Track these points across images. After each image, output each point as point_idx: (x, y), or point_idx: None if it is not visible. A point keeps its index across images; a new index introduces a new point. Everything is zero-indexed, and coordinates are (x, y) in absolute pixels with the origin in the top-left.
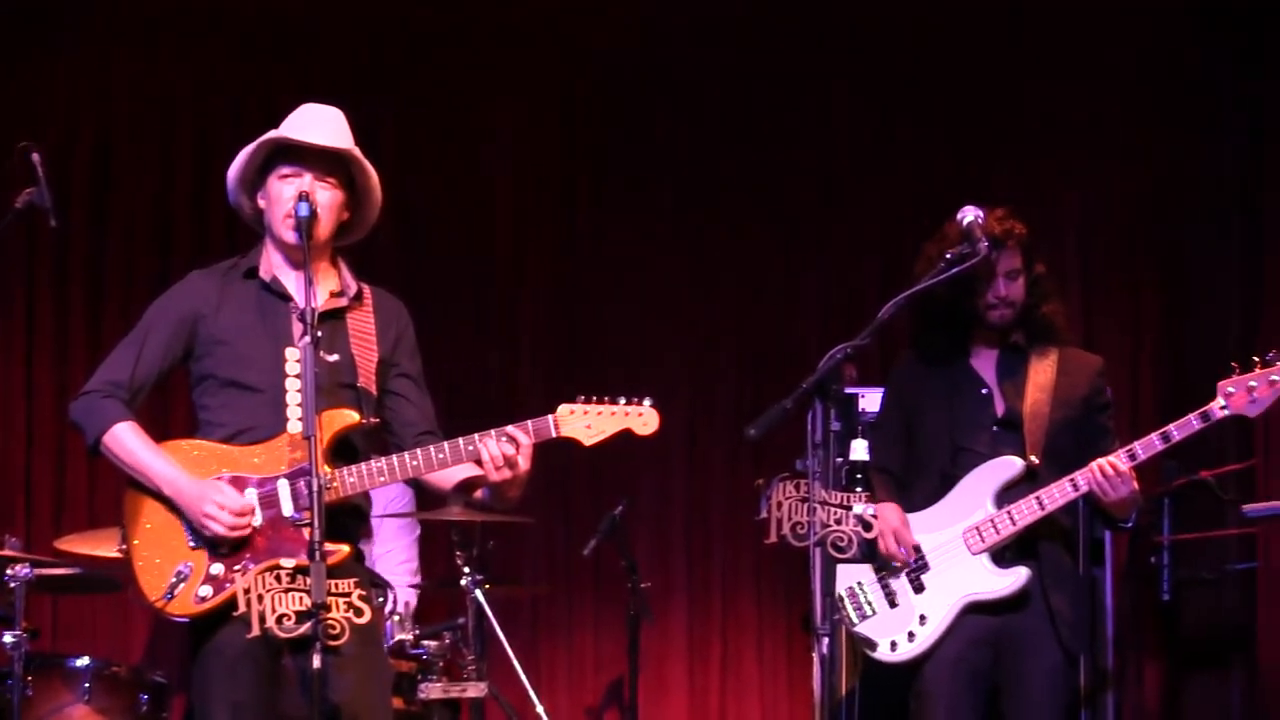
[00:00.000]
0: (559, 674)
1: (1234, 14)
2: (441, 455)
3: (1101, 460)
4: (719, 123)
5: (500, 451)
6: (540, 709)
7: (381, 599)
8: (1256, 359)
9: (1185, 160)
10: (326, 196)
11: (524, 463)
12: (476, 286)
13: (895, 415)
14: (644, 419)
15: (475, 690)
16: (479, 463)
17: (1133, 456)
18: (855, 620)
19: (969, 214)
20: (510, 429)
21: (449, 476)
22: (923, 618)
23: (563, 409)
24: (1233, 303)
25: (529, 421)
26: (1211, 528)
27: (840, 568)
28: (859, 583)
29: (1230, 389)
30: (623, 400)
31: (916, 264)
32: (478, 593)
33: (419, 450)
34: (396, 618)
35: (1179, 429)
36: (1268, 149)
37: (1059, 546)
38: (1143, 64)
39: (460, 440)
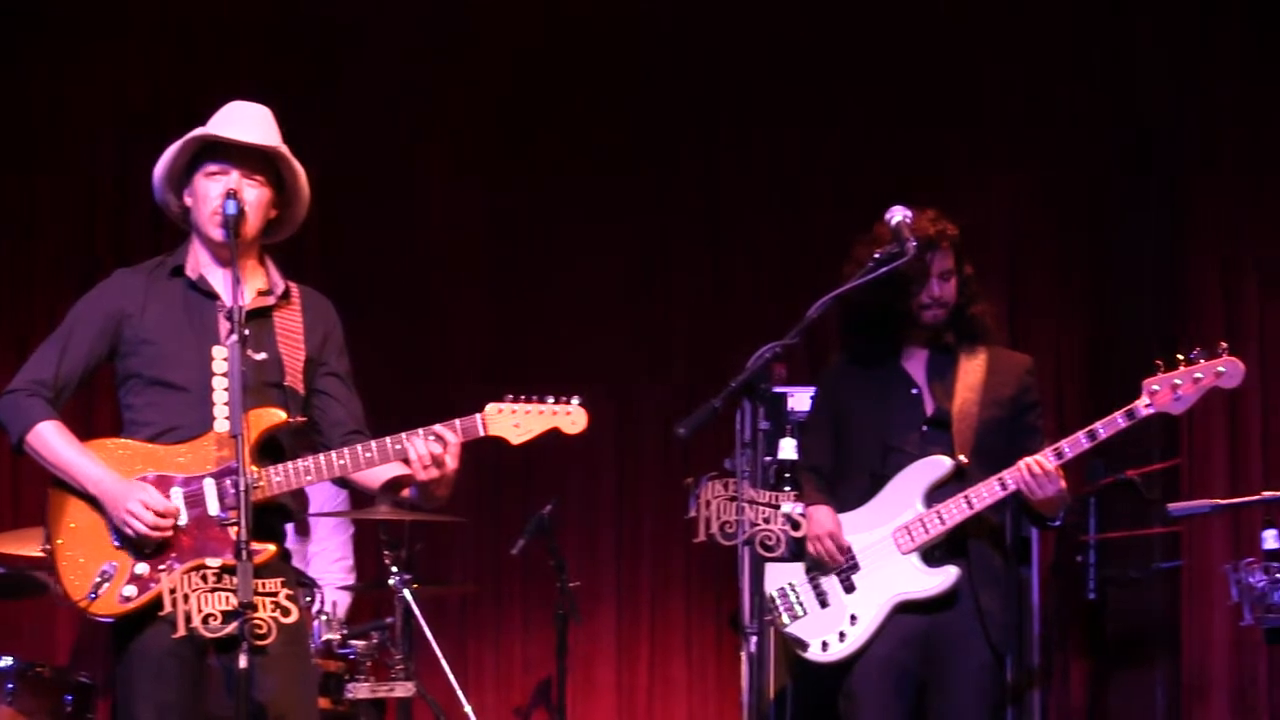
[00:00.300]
0: (487, 674)
1: (1165, 11)
2: (369, 454)
3: (1029, 459)
4: (656, 122)
5: (428, 450)
6: (468, 709)
7: (309, 598)
8: (1180, 357)
9: (1110, 160)
10: (254, 194)
11: (451, 462)
12: (405, 285)
13: (826, 415)
14: (572, 418)
15: (403, 690)
16: (406, 462)
17: (1059, 455)
18: (787, 621)
19: (897, 214)
20: (438, 428)
21: (376, 475)
22: (853, 617)
23: (490, 408)
24: (1157, 301)
25: (456, 420)
26: (1137, 527)
27: (771, 567)
28: (790, 583)
29: (1155, 386)
30: (551, 399)
31: (846, 264)
32: (406, 592)
33: (346, 449)
34: (324, 617)
35: (1105, 427)
36: (1192, 148)
37: (988, 545)
38: (1069, 68)
39: (388, 439)
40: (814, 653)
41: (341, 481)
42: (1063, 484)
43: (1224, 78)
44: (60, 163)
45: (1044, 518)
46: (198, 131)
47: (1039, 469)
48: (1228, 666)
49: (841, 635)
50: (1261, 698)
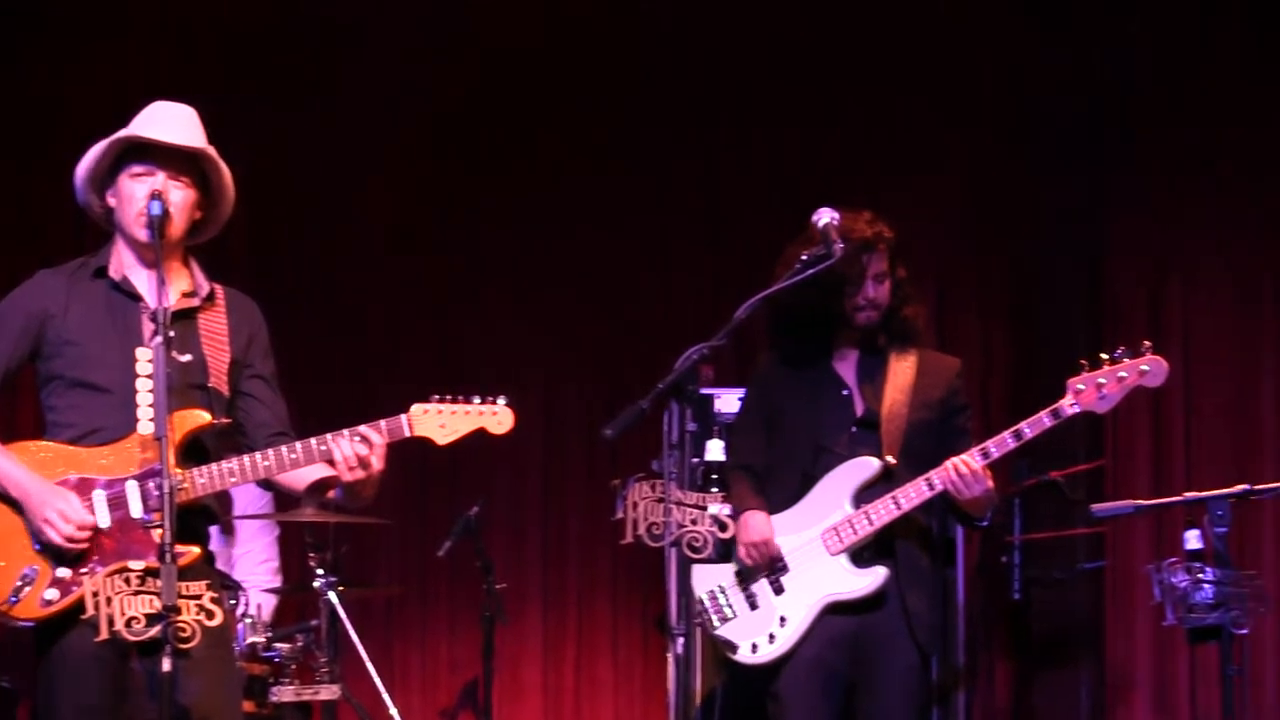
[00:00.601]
0: (413, 676)
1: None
2: (294, 455)
3: (955, 459)
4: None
5: (353, 451)
6: (393, 711)
7: (233, 601)
8: (1104, 356)
9: (1031, 161)
10: (179, 195)
11: (377, 463)
12: (330, 286)
13: (756, 414)
14: (499, 418)
15: (328, 693)
16: (332, 463)
17: (986, 455)
18: (716, 624)
19: (824, 216)
20: (363, 429)
21: (302, 477)
22: (783, 619)
23: (416, 408)
24: (1082, 301)
25: (382, 421)
26: (1061, 527)
27: (699, 569)
28: (719, 585)
29: (1080, 386)
30: (477, 399)
31: (777, 265)
32: (331, 595)
33: (271, 450)
34: (249, 620)
35: (1030, 426)
36: (1110, 148)
37: (916, 546)
38: (982, 72)
39: (313, 440)
40: (744, 655)
41: (266, 483)
42: (990, 484)
43: (1150, 81)
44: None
45: (972, 518)
46: (122, 133)
47: (966, 469)
48: (1150, 666)
49: (771, 637)
50: (1183, 697)
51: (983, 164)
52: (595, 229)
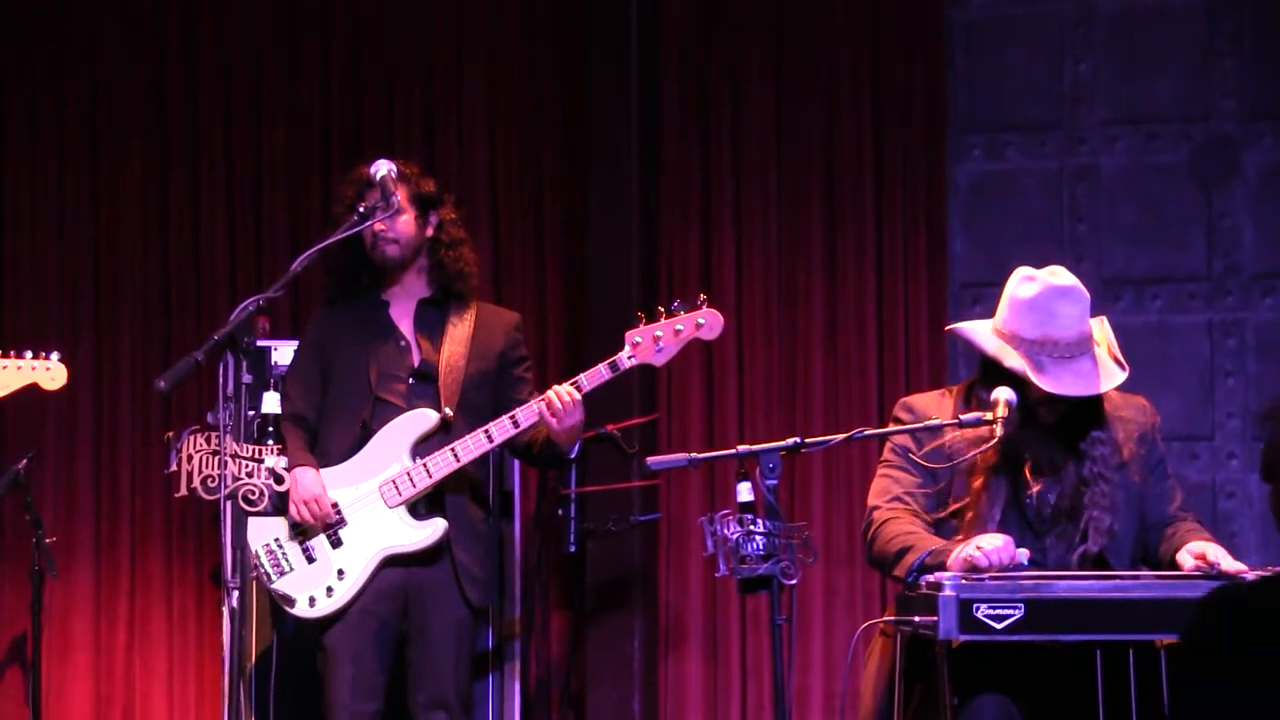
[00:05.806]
0: None
1: None
2: None
3: (557, 388)
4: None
5: None
6: None
7: None
8: (661, 309)
9: (587, 115)
10: None
11: None
12: None
13: (311, 363)
14: (51, 373)
15: None
16: None
17: (579, 387)
18: (273, 577)
19: (382, 167)
20: None
21: None
22: (341, 572)
23: None
24: (637, 255)
25: None
26: (617, 480)
27: (255, 522)
28: (275, 539)
29: (637, 339)
30: (29, 354)
31: (333, 211)
32: None
33: None
34: None
35: (589, 379)
36: (665, 96)
37: (467, 500)
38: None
39: None
40: (302, 609)
41: None
42: (583, 414)
43: (697, 31)
44: None
45: (561, 451)
46: None
47: (566, 396)
48: (702, 616)
49: (329, 590)
50: (734, 646)
51: (533, 117)
52: (141, 172)
